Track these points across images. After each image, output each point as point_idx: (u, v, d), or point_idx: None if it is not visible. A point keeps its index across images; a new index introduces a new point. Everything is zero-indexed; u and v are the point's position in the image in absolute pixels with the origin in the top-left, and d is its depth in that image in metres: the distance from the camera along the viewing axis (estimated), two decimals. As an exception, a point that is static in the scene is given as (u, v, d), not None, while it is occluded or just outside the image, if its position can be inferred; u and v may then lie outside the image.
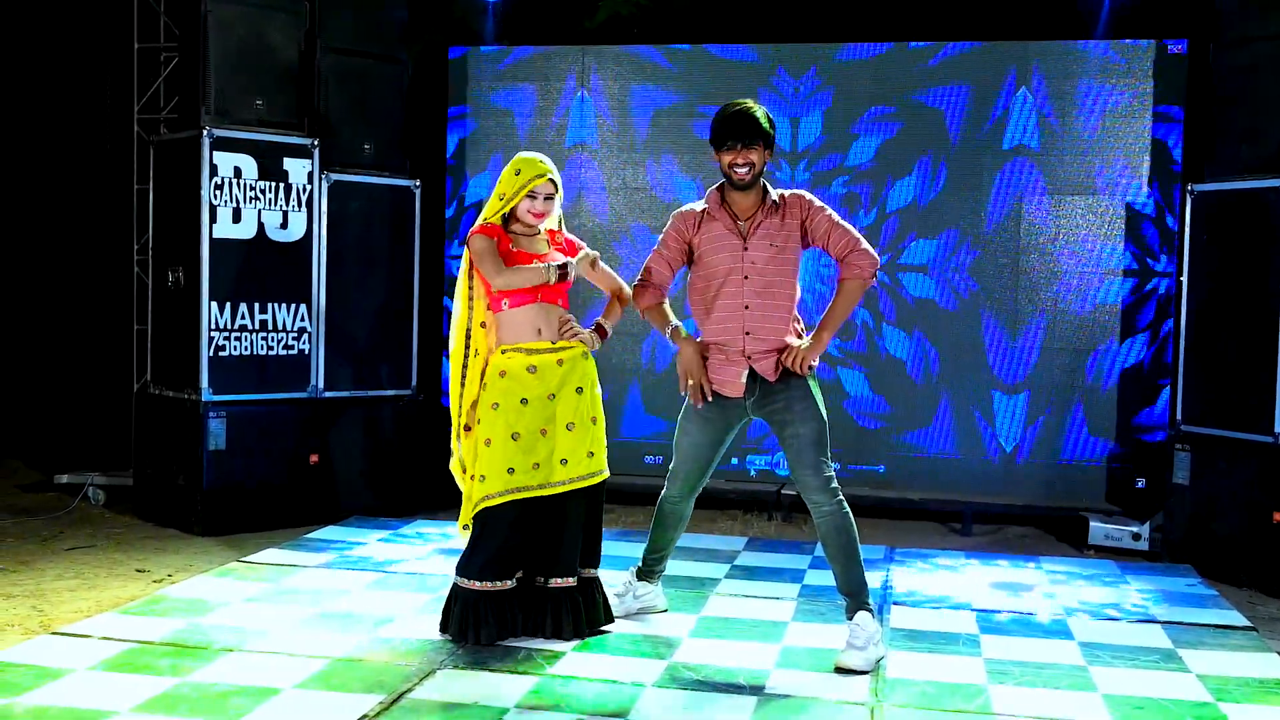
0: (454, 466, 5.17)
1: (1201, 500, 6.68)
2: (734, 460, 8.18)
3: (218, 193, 6.94)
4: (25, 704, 4.13)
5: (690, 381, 4.99)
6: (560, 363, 5.02)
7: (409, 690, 4.36)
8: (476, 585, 4.95)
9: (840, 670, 4.67)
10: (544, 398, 4.98)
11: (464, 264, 5.06)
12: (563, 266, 4.96)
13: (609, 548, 6.75)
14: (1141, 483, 7.63)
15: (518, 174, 4.98)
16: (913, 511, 7.87)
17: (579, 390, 5.05)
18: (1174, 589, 6.17)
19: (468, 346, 5.05)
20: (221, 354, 6.97)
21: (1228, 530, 6.53)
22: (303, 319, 7.27)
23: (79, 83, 8.37)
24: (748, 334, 4.91)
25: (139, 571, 6.10)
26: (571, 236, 5.23)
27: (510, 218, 5.04)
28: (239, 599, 5.50)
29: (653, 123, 8.35)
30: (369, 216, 7.59)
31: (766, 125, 4.89)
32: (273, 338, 7.16)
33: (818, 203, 4.95)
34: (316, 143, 7.29)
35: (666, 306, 5.19)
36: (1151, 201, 7.68)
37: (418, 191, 7.82)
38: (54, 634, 4.93)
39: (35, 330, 8.28)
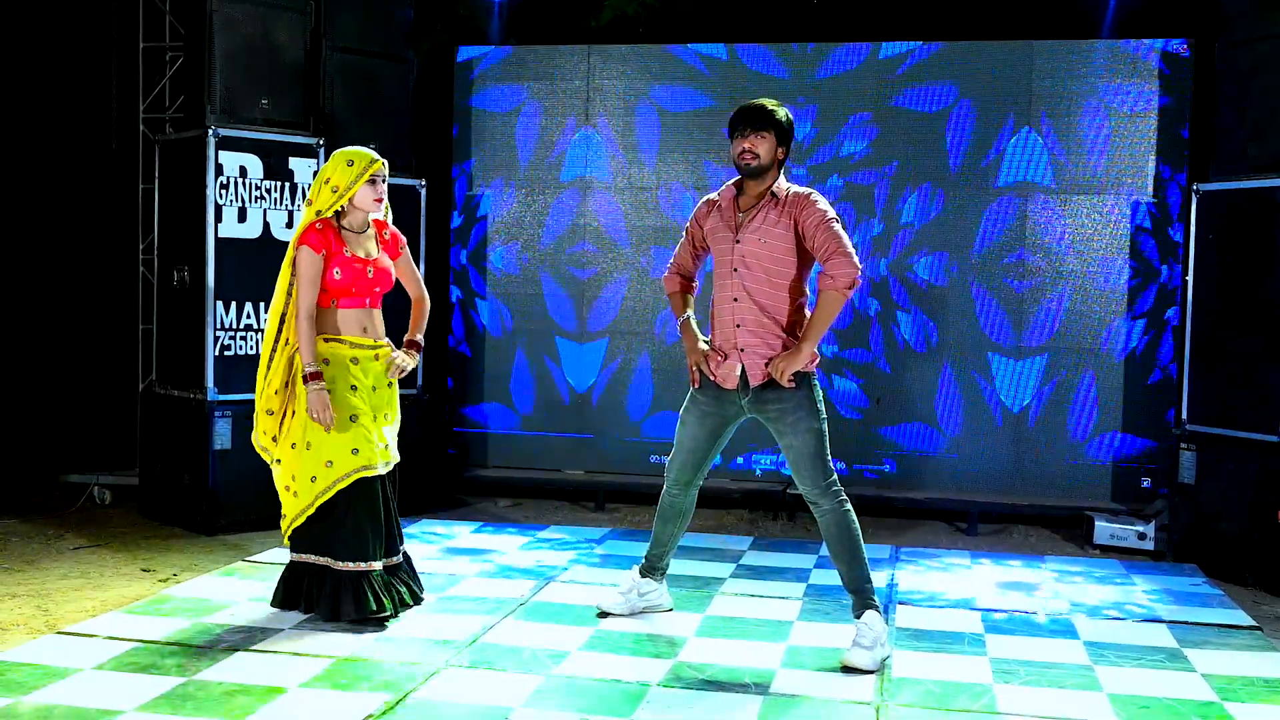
0: (264, 451, 5.27)
1: (1207, 499, 6.67)
2: (739, 459, 8.19)
3: (223, 192, 6.94)
4: (30, 703, 4.14)
5: (689, 364, 5.11)
6: (377, 358, 5.24)
7: (414, 690, 4.36)
8: (361, 566, 5.10)
9: (846, 669, 4.67)
10: (369, 388, 5.19)
11: (289, 256, 5.13)
12: (316, 374, 5.03)
13: (615, 547, 6.80)
14: (1147, 482, 7.63)
15: (350, 164, 5.10)
16: (918, 511, 7.87)
17: (390, 385, 5.30)
18: (1179, 588, 6.17)
19: (279, 336, 5.17)
20: (227, 353, 6.97)
21: (1233, 529, 6.52)
22: (308, 318, 7.27)
23: (84, 82, 8.37)
24: (738, 327, 4.92)
25: (144, 571, 6.11)
26: (395, 230, 5.40)
27: (343, 211, 5.16)
28: (244, 598, 5.51)
29: (659, 122, 8.35)
30: (374, 216, 7.58)
31: (780, 117, 4.90)
32: (278, 337, 7.16)
33: (818, 203, 4.87)
34: (322, 142, 7.28)
35: (689, 296, 5.26)
36: (1156, 201, 7.67)
37: (423, 191, 7.83)
38: (59, 633, 4.94)
39: (40, 329, 8.28)
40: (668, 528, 5.34)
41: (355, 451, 5.07)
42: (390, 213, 5.37)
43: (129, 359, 8.13)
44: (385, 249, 5.30)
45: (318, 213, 5.12)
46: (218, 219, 6.93)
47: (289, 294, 5.13)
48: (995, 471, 7.92)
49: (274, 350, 5.18)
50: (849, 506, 4.88)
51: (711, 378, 5.01)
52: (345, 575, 5.09)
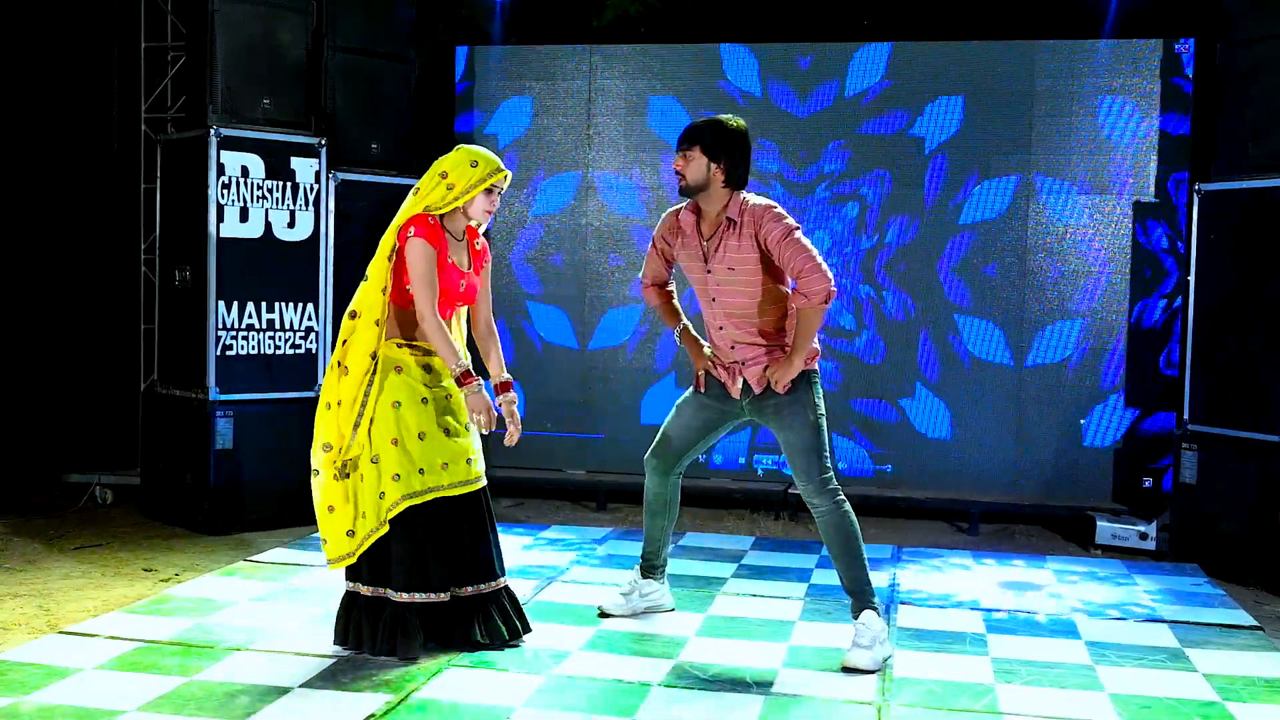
0: (330, 459, 4.72)
1: (1208, 499, 6.67)
2: (740, 460, 8.19)
3: (225, 192, 6.94)
4: (32, 703, 4.14)
5: (696, 369, 5.08)
6: None
7: (416, 689, 4.36)
8: (404, 597, 4.68)
9: (847, 670, 4.66)
10: (443, 397, 4.73)
11: (388, 244, 4.70)
12: (468, 373, 4.65)
13: (616, 547, 6.79)
14: (1149, 482, 7.62)
15: (474, 165, 4.69)
16: (920, 511, 7.87)
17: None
18: (1181, 588, 6.16)
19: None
20: (229, 353, 6.97)
21: (1234, 529, 6.52)
22: (310, 318, 7.28)
23: (86, 82, 8.37)
24: (732, 347, 4.94)
25: (146, 571, 6.11)
26: (485, 241, 4.98)
27: (450, 214, 4.77)
28: (246, 598, 5.51)
29: (660, 122, 8.35)
30: (376, 215, 7.55)
31: (709, 132, 4.82)
32: (280, 337, 7.17)
33: (778, 216, 4.76)
34: (324, 142, 7.29)
35: (675, 303, 5.24)
36: (1158, 201, 7.67)
37: (424, 191, 7.81)
38: (61, 633, 4.94)
39: (42, 329, 8.28)
40: (656, 521, 5.31)
41: (422, 471, 4.64)
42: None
43: (130, 359, 8.14)
44: (475, 261, 4.90)
45: (426, 208, 4.70)
46: (219, 219, 6.93)
47: (384, 290, 4.65)
48: (997, 471, 7.92)
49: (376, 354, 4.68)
50: (848, 507, 4.86)
51: (718, 380, 5.01)
52: (406, 607, 4.68)
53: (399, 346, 4.75)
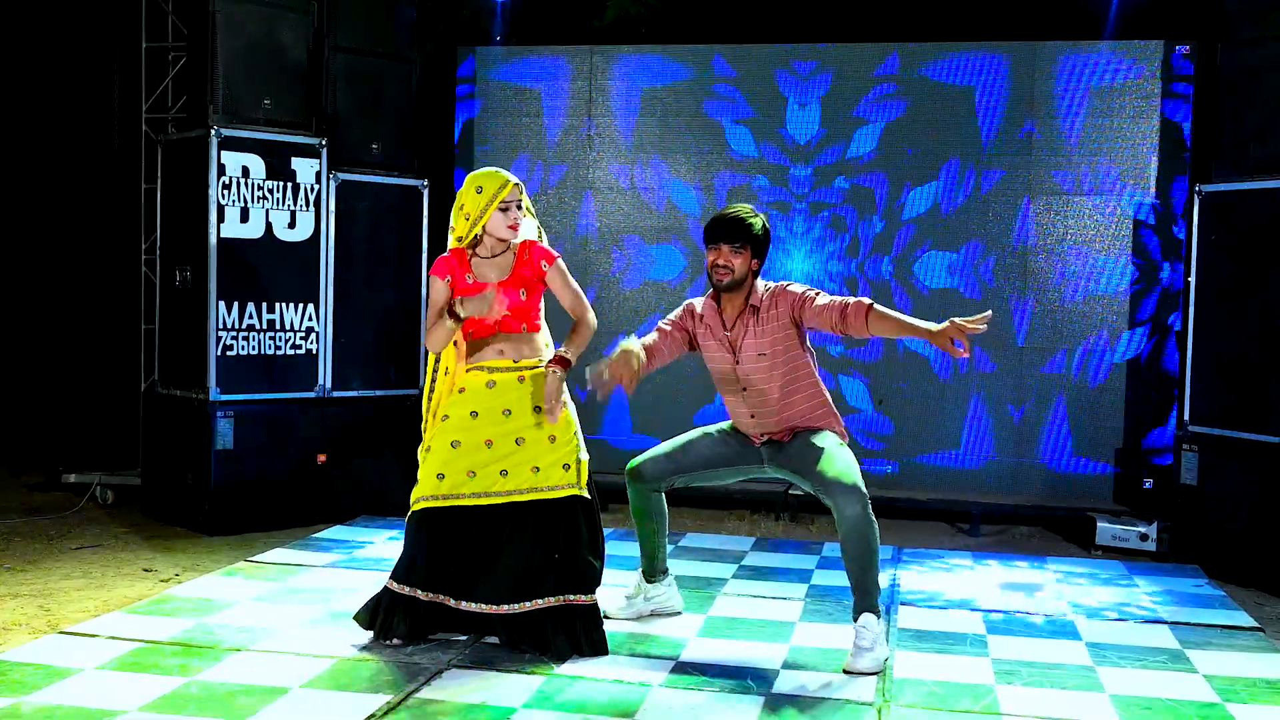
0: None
1: (1209, 501, 6.67)
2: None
3: (225, 192, 6.95)
4: (33, 703, 4.14)
5: (605, 376, 4.75)
6: (521, 379, 4.92)
7: (416, 690, 4.36)
8: (395, 587, 4.88)
9: (849, 673, 4.65)
10: (498, 412, 4.88)
11: None
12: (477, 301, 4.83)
13: (617, 547, 6.75)
14: (1149, 483, 7.62)
15: (479, 191, 4.86)
16: (921, 511, 7.87)
17: (537, 409, 4.90)
18: (1181, 589, 6.16)
19: (438, 362, 5.02)
20: (229, 353, 6.98)
21: (1235, 531, 6.52)
22: (310, 318, 7.28)
23: (87, 82, 8.39)
24: (758, 424, 5.00)
25: (146, 571, 6.11)
26: (545, 247, 5.05)
27: (479, 237, 4.94)
28: (246, 598, 5.51)
29: (661, 123, 8.35)
30: (377, 216, 7.60)
31: (757, 229, 4.86)
32: (280, 337, 7.17)
33: (794, 289, 4.88)
34: (324, 142, 7.29)
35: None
36: (1159, 202, 7.67)
37: (425, 191, 7.83)
38: (61, 633, 4.94)
39: (43, 329, 8.30)
40: (646, 526, 5.29)
41: (440, 477, 4.86)
42: (541, 233, 5.13)
43: (131, 359, 8.14)
44: (522, 269, 4.97)
45: (459, 240, 4.93)
46: (220, 219, 6.93)
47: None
48: (998, 472, 7.92)
49: (434, 380, 5.04)
50: (872, 511, 4.86)
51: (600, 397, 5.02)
52: (384, 591, 4.93)
53: (467, 371, 4.99)
